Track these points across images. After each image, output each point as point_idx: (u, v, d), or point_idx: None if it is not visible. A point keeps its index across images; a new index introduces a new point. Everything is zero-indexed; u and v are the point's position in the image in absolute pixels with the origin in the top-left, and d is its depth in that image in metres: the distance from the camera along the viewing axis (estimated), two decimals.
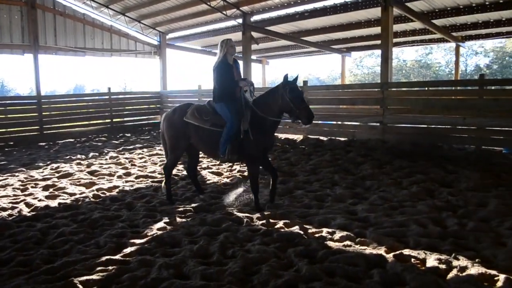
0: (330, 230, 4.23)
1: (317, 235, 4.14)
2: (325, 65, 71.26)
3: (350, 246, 3.82)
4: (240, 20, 14.10)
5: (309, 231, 4.28)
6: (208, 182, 6.77)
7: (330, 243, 3.91)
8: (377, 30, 14.51)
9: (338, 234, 4.09)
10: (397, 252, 3.59)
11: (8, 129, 12.25)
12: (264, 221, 4.66)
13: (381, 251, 3.68)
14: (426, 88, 10.20)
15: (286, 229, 4.39)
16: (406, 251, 3.60)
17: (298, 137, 10.91)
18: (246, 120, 5.01)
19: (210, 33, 16.70)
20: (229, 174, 7.28)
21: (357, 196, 5.59)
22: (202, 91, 14.64)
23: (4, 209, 5.51)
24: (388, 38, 10.01)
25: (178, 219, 4.85)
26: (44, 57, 14.16)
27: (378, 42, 16.26)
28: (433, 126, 8.70)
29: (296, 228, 4.36)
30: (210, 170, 7.56)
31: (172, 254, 3.85)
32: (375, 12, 12.75)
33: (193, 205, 5.42)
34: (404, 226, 4.29)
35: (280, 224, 4.51)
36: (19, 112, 12.92)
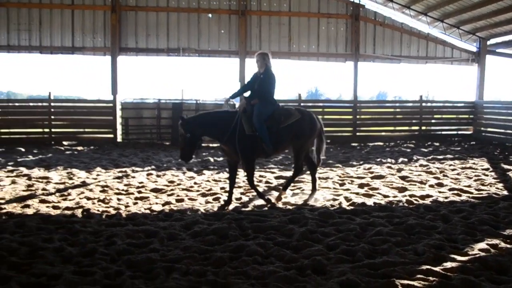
0: None
1: None
2: None
3: None
4: None
5: None
6: None
7: None
8: None
9: None
10: None
11: (327, 129, 13.93)
12: None
13: None
14: None
15: None
16: None
17: None
18: None
19: None
20: None
21: None
22: None
23: (327, 200, 6.20)
24: None
25: (503, 244, 4.35)
26: (362, 64, 15.28)
27: None
28: None
29: None
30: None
31: (499, 282, 3.47)
32: None
33: None
34: None
35: None
36: (336, 114, 14.57)
